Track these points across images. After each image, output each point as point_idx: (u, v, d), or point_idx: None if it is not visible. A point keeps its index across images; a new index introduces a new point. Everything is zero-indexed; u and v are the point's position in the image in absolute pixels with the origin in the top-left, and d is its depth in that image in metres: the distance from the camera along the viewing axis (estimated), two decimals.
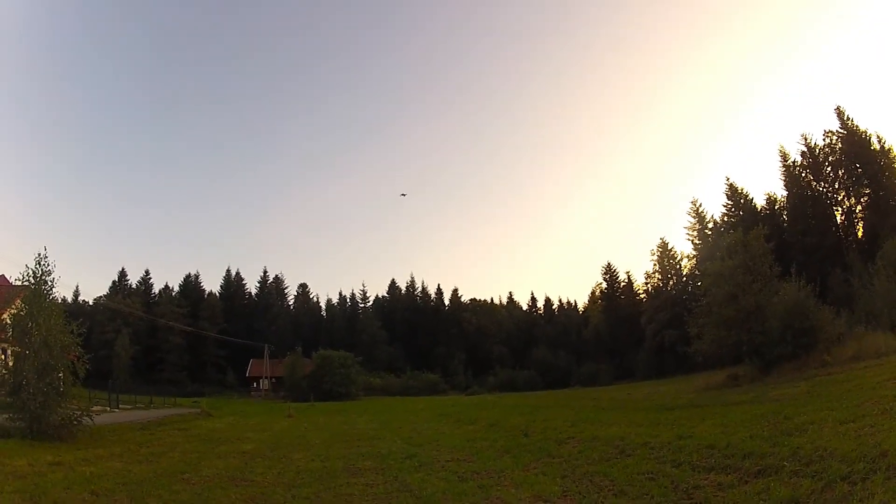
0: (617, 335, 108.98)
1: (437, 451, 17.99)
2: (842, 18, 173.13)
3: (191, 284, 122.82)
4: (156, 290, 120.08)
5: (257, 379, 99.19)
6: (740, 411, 18.79)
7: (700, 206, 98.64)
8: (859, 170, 76.60)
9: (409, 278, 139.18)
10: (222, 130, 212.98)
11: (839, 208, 79.70)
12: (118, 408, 43.44)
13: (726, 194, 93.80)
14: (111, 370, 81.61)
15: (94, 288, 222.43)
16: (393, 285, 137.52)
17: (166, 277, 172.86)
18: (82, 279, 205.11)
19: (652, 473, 11.62)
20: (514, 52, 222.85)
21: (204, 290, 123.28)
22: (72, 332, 23.58)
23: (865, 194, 75.76)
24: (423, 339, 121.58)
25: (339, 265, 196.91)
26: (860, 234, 76.10)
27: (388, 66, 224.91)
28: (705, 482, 10.38)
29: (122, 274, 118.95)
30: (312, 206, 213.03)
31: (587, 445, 16.02)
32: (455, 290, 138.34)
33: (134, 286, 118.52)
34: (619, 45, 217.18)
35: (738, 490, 9.49)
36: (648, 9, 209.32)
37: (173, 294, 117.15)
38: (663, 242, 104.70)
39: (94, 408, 26.87)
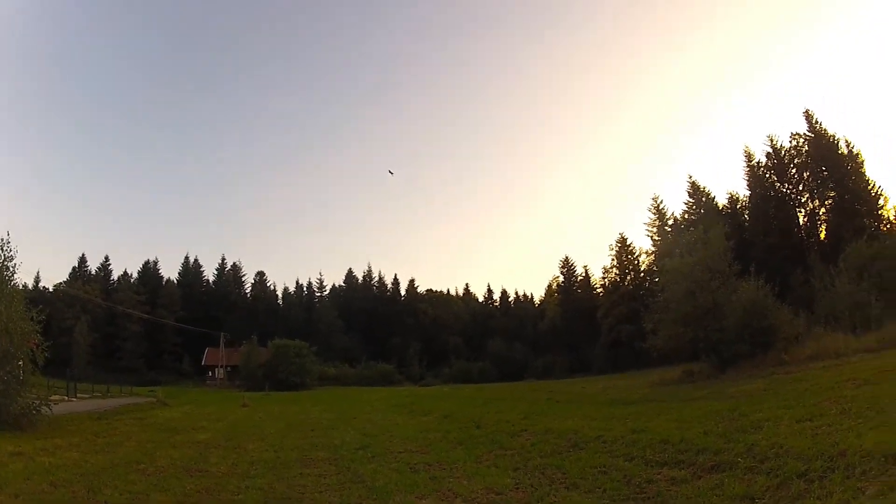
0: (573, 329, 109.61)
1: (391, 442, 18.03)
2: (816, 23, 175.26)
3: (149, 271, 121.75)
4: (115, 276, 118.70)
5: (213, 367, 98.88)
6: (695, 407, 18.91)
7: (661, 202, 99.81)
8: (825, 173, 77.77)
9: (367, 268, 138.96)
10: (184, 117, 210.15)
11: (802, 210, 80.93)
12: (76, 397, 43.10)
13: (688, 192, 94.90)
14: (70, 358, 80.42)
15: (54, 274, 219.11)
16: (350, 275, 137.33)
17: (125, 263, 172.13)
18: (44, 265, 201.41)
19: (605, 467, 11.65)
20: (477, 47, 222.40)
21: (162, 277, 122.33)
22: (31, 319, 23.17)
23: (830, 197, 76.95)
24: (379, 329, 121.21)
25: (297, 253, 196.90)
26: (823, 235, 77.32)
27: (349, 60, 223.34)
28: (658, 476, 10.40)
29: (83, 260, 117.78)
30: (272, 194, 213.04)
31: (540, 438, 16.08)
32: (412, 281, 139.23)
33: (93, 272, 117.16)
34: (586, 42, 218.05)
35: (691, 485, 9.51)
36: (617, 7, 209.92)
37: (132, 281, 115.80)
38: (622, 238, 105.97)
39: (53, 397, 26.70)
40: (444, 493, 10.75)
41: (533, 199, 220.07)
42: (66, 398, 39.10)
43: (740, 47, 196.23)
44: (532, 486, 10.74)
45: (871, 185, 74.84)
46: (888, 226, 67.15)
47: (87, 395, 45.74)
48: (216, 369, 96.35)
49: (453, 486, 11.14)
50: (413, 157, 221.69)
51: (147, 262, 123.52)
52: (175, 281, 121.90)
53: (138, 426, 24.53)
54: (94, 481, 11.89)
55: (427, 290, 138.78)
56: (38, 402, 22.11)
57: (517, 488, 10.76)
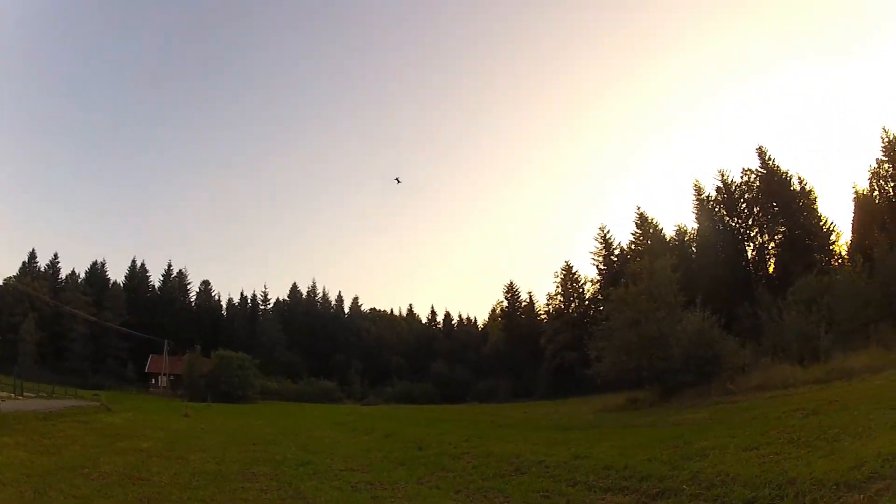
0: (516, 353, 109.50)
1: (332, 460, 17.83)
2: (772, 62, 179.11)
3: (97, 272, 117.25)
4: (63, 274, 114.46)
5: (156, 375, 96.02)
6: (639, 434, 18.98)
7: (608, 232, 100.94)
8: (776, 208, 79.14)
9: (311, 283, 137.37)
10: (135, 118, 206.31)
11: (751, 244, 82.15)
12: (22, 395, 42.45)
13: (636, 223, 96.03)
14: (16, 355, 78.06)
15: (4, 267, 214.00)
16: (294, 289, 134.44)
17: (74, 262, 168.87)
18: None
19: (547, 492, 11.54)
20: (428, 67, 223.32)
21: (109, 280, 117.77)
22: None
23: (780, 232, 78.23)
24: (321, 345, 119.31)
25: (243, 264, 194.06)
26: (771, 269, 78.51)
27: (301, 68, 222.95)
28: (602, 502, 10.36)
29: (32, 255, 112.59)
30: (221, 203, 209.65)
31: (482, 461, 15.93)
32: (355, 299, 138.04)
33: (42, 269, 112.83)
34: (536, 71, 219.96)
35: None
36: (571, 36, 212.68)
37: (79, 281, 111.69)
38: (567, 265, 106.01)
39: (0, 394, 26.00)
40: None
41: (479, 224, 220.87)
42: (13, 396, 38.77)
43: (694, 82, 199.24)
44: None
45: (824, 220, 76.35)
46: (839, 261, 68.36)
47: (33, 395, 45.12)
48: (159, 377, 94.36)
49: None
50: (358, 173, 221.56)
51: (95, 263, 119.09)
52: (121, 284, 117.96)
53: (83, 430, 24.17)
54: (40, 483, 11.87)
55: (371, 309, 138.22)
56: None
57: None
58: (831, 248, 74.24)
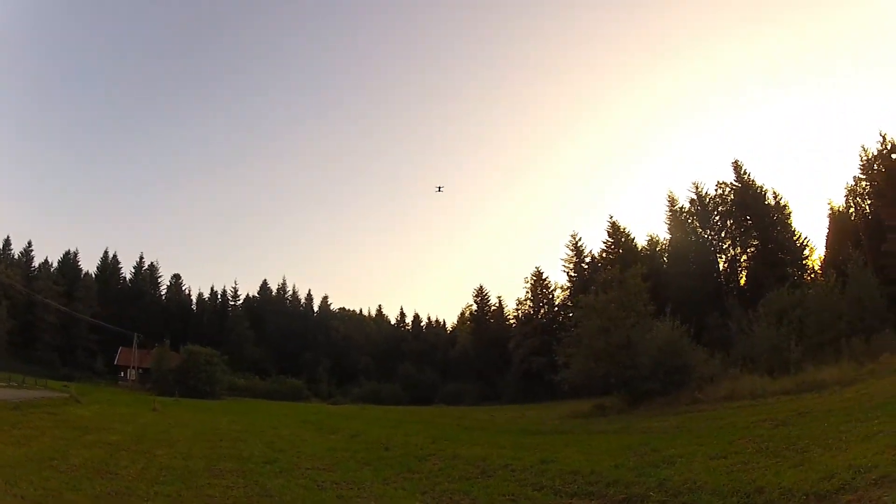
0: (484, 357, 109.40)
1: (298, 458, 17.81)
2: (749, 78, 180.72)
3: (69, 262, 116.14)
4: (36, 263, 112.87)
5: (125, 368, 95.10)
6: (606, 440, 19.03)
7: (579, 239, 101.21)
8: (749, 221, 79.76)
9: (282, 281, 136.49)
10: (111, 109, 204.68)
11: (723, 256, 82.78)
12: None
13: (608, 231, 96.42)
14: None
15: None
16: (265, 286, 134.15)
17: (47, 251, 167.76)
18: None
19: (514, 496, 11.51)
20: (406, 67, 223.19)
21: (81, 270, 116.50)
22: None
23: (753, 245, 78.88)
24: (290, 343, 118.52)
25: (214, 259, 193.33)
26: (743, 282, 79.18)
27: (279, 66, 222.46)
28: None
29: (7, 243, 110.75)
30: (195, 197, 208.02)
31: (448, 463, 15.93)
32: (325, 298, 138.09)
33: (16, 257, 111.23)
34: (517, 79, 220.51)
35: None
36: (553, 46, 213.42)
37: (52, 270, 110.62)
38: (538, 271, 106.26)
39: None
40: None
41: (451, 226, 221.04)
42: None
43: (672, 95, 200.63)
44: None
45: (797, 235, 77.25)
46: (812, 275, 69.08)
47: (3, 384, 45.27)
48: (129, 370, 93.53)
49: None
50: (334, 176, 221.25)
51: (68, 253, 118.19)
52: (93, 275, 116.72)
53: (52, 421, 24.05)
54: (10, 474, 11.79)
55: (340, 308, 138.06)
56: None
57: None
58: (804, 262, 75.15)
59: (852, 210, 69.94)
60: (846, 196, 71.43)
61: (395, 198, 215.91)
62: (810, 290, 44.96)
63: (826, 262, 67.47)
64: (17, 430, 18.82)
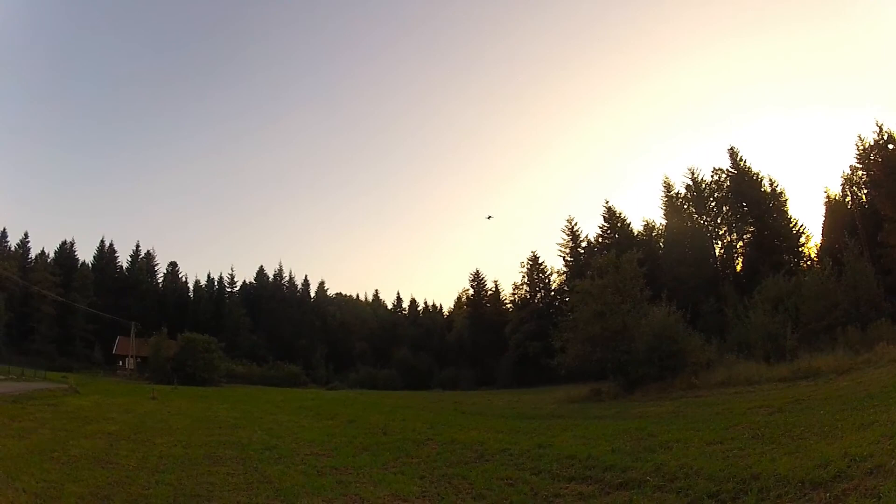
0: (480, 342, 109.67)
1: (297, 445, 17.85)
2: (748, 65, 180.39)
3: (66, 252, 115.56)
4: (33, 254, 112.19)
5: (123, 357, 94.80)
6: (603, 425, 19.07)
7: (576, 224, 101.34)
8: (745, 208, 79.72)
9: (278, 266, 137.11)
10: (105, 99, 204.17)
11: (719, 242, 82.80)
12: None
13: (604, 216, 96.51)
14: None
15: None
16: (261, 272, 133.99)
17: (44, 242, 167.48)
18: None
19: (511, 479, 11.53)
20: (412, 48, 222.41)
21: (78, 260, 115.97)
22: None
23: (749, 232, 78.90)
24: (286, 329, 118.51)
25: (211, 246, 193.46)
26: (739, 268, 79.24)
27: (271, 51, 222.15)
28: (566, 491, 10.28)
29: (3, 235, 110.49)
30: (191, 185, 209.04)
31: (446, 448, 16.00)
32: (322, 283, 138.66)
33: (13, 249, 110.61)
34: (519, 66, 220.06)
35: (599, 501, 9.42)
36: (556, 36, 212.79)
37: (49, 261, 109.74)
38: (534, 255, 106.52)
39: None
40: (350, 497, 10.60)
41: (447, 211, 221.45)
42: None
43: (669, 81, 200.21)
44: (438, 495, 10.61)
45: (794, 223, 77.21)
46: (808, 263, 69.10)
47: (2, 377, 45.12)
48: (126, 359, 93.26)
49: (360, 491, 10.99)
50: (330, 161, 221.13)
51: (64, 243, 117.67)
52: (90, 265, 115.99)
53: (51, 413, 24.01)
54: (11, 467, 11.73)
55: (337, 294, 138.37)
56: None
57: (424, 496, 10.61)
58: (800, 249, 75.08)
59: (848, 199, 69.89)
60: (842, 185, 71.38)
61: (391, 182, 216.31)
62: (806, 278, 44.97)
63: (822, 251, 67.60)
64: (16, 423, 18.88)
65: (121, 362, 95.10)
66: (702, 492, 8.66)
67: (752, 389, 26.50)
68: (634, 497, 9.16)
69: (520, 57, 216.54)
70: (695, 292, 64.24)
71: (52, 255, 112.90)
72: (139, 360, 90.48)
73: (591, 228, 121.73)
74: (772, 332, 36.94)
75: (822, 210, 75.30)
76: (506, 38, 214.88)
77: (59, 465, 12.58)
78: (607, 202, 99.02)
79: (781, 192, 79.06)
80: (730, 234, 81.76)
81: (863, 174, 66.86)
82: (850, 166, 69.29)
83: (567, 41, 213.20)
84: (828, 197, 74.61)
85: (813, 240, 75.54)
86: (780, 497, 7.85)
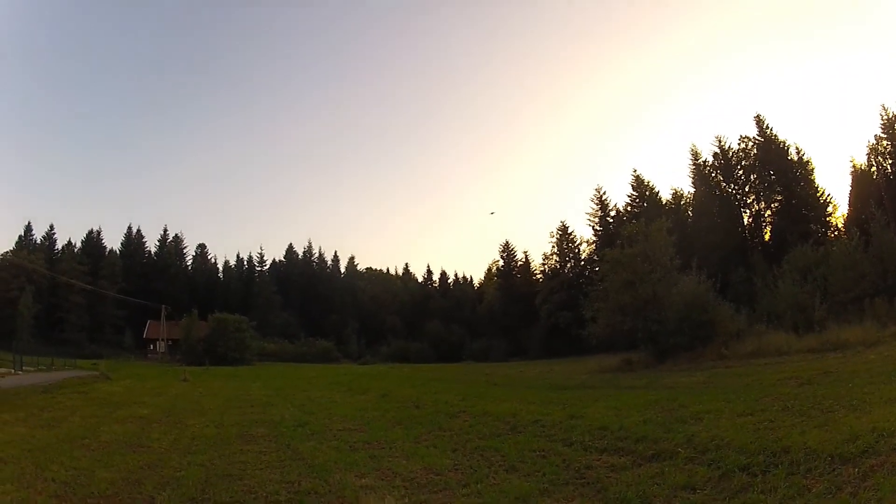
0: (511, 313, 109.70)
1: (329, 420, 17.89)
2: (774, 33, 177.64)
3: (93, 241, 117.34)
4: (59, 245, 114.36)
5: (154, 341, 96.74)
6: (634, 396, 19.07)
7: (604, 193, 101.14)
8: (773, 176, 78.97)
9: (307, 243, 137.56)
10: (126, 81, 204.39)
11: (747, 211, 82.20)
12: (22, 370, 42.31)
13: (632, 185, 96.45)
14: (14, 330, 78.47)
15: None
16: (290, 250, 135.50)
17: (70, 232, 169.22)
18: None
19: (543, 451, 11.53)
20: (428, 24, 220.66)
21: (105, 248, 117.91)
22: None
23: (777, 200, 78.19)
24: (317, 305, 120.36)
25: (239, 226, 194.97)
26: (767, 237, 78.56)
27: (299, 37, 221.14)
28: (598, 462, 10.28)
29: (28, 228, 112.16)
30: (217, 165, 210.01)
31: (478, 420, 16.05)
32: (351, 258, 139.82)
33: (38, 242, 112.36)
34: (539, 32, 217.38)
35: (631, 472, 9.38)
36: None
37: (76, 251, 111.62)
38: (563, 225, 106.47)
39: (0, 370, 25.96)
40: (383, 472, 10.58)
41: (476, 182, 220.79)
42: (13, 372, 38.81)
43: (695, 47, 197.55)
44: (471, 468, 10.59)
45: (821, 192, 76.57)
46: (836, 233, 68.36)
47: (32, 369, 45.03)
48: (157, 343, 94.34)
49: (392, 466, 10.98)
50: (359, 136, 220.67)
51: (91, 232, 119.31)
52: (118, 252, 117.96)
53: (82, 400, 24.19)
54: (41, 457, 11.75)
55: (367, 269, 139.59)
56: None
57: (456, 469, 10.60)
58: (827, 219, 74.52)
59: (874, 169, 69.07)
60: (868, 155, 70.55)
61: (420, 154, 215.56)
62: (834, 248, 44.50)
63: (849, 221, 66.85)
64: (46, 413, 19.01)
65: (152, 346, 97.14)
66: (733, 464, 8.65)
67: (782, 360, 26.35)
68: (666, 469, 9.15)
69: (547, 23, 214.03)
70: (724, 261, 63.70)
71: (79, 244, 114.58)
72: (170, 343, 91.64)
73: (619, 197, 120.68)
74: (800, 303, 36.61)
75: (849, 179, 74.54)
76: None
77: (90, 451, 12.64)
78: (635, 171, 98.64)
79: (808, 161, 78.35)
80: (758, 203, 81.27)
81: (887, 144, 66.06)
82: (875, 136, 68.50)
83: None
84: (854, 167, 73.82)
85: (840, 210, 74.87)
86: (809, 471, 7.83)
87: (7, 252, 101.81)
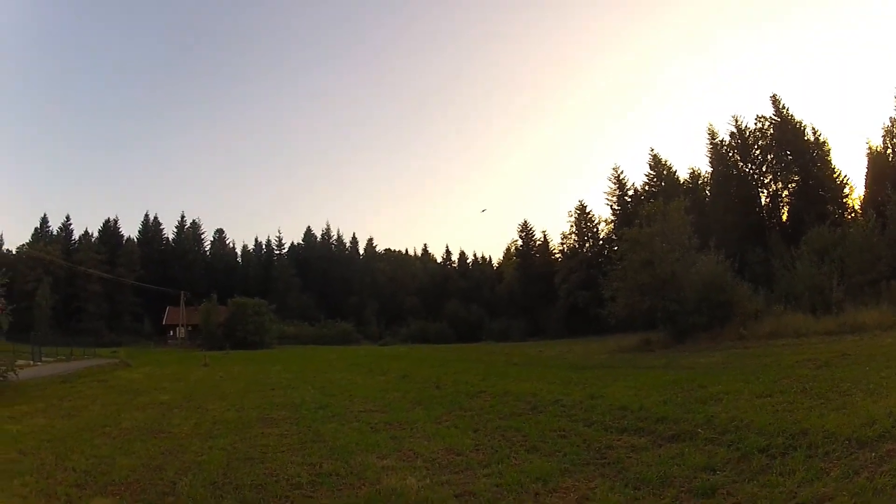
0: (530, 293, 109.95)
1: (350, 402, 17.90)
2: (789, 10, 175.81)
3: (109, 230, 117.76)
4: (76, 236, 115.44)
5: (174, 327, 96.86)
6: (654, 376, 19.04)
7: (622, 173, 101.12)
8: (789, 157, 78.43)
9: (325, 226, 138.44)
10: (138, 69, 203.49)
11: (765, 191, 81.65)
12: (41, 361, 42.34)
13: (649, 164, 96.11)
14: (32, 321, 78.25)
15: (16, 236, 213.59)
16: (308, 233, 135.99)
17: (87, 222, 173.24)
18: (6, 226, 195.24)
19: (564, 431, 11.56)
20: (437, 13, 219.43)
21: (122, 236, 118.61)
22: None
23: (794, 181, 77.63)
24: (336, 287, 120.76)
25: (256, 210, 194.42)
26: (784, 217, 78.06)
27: (308, 20, 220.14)
28: (618, 443, 10.32)
29: (44, 220, 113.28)
30: (233, 150, 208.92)
31: (499, 400, 16.06)
32: (370, 240, 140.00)
33: (55, 233, 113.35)
34: (550, 8, 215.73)
35: (651, 453, 9.42)
36: None
37: (93, 240, 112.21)
38: (581, 205, 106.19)
39: (19, 362, 26.19)
40: (404, 452, 10.62)
41: (494, 162, 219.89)
42: (32, 363, 38.61)
43: (709, 25, 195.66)
44: (492, 448, 10.62)
45: (837, 173, 75.97)
46: (852, 214, 67.81)
47: (51, 359, 44.91)
48: (177, 328, 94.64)
49: (413, 446, 11.01)
50: (376, 116, 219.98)
51: (107, 221, 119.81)
52: (135, 240, 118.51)
53: (102, 388, 24.26)
54: (61, 447, 11.78)
55: (385, 250, 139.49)
56: (3, 368, 21.88)
57: (477, 449, 10.63)
58: (844, 200, 73.74)
59: (889, 151, 68.48)
60: (883, 136, 69.92)
61: (437, 133, 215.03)
62: (851, 230, 44.18)
63: (865, 202, 66.25)
64: (66, 403, 19.02)
65: (171, 332, 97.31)
66: (752, 446, 8.65)
67: (799, 342, 26.30)
68: (686, 450, 9.16)
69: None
70: (741, 242, 63.37)
71: (95, 234, 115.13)
72: (190, 328, 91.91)
73: (637, 176, 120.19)
74: (818, 284, 36.43)
75: (865, 161, 73.91)
76: None
77: (110, 439, 12.68)
78: (652, 150, 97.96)
79: (825, 142, 77.59)
80: (775, 183, 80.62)
81: None
82: (891, 118, 67.84)
83: None
84: (870, 148, 73.12)
85: (856, 191, 74.26)
86: (827, 454, 7.84)
87: (23, 244, 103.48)
